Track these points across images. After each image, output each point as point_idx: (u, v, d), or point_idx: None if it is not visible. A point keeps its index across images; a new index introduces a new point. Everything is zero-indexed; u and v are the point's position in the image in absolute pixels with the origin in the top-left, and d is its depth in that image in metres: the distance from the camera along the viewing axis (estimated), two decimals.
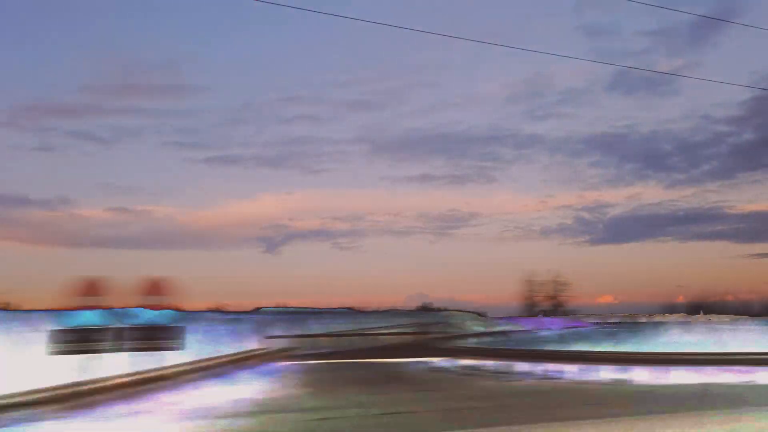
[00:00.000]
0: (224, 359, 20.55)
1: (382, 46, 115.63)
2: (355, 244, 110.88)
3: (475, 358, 23.34)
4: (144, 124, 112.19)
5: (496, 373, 19.96)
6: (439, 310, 65.26)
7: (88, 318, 12.93)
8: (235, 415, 11.85)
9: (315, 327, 40.51)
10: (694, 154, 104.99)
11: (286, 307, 59.60)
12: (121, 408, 12.08)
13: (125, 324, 13.44)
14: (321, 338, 35.68)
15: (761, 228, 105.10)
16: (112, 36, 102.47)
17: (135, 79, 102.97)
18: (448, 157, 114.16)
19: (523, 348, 27.84)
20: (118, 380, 12.98)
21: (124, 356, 13.27)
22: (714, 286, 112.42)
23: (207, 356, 19.65)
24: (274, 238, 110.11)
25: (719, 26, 79.97)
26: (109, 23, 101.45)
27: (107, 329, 13.12)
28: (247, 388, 16.31)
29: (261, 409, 12.65)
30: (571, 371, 18.94)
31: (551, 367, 19.72)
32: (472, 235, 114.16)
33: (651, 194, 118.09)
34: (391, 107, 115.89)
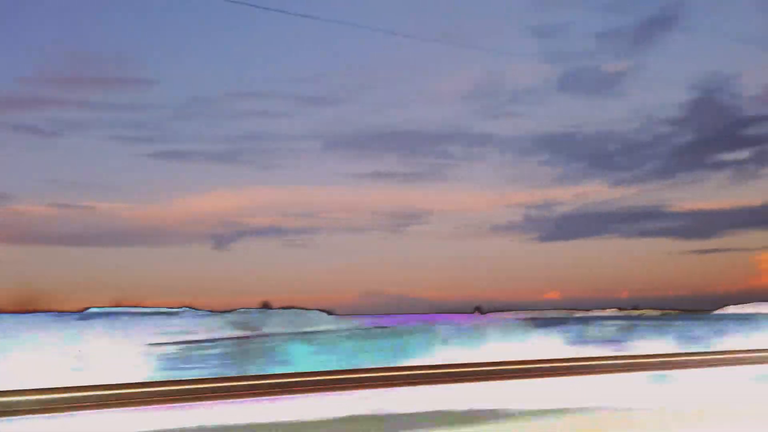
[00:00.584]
0: None
1: (336, 42, 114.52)
2: (309, 242, 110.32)
3: None
4: (89, 117, 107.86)
5: None
6: (282, 308, 60.94)
7: None
8: None
9: None
10: (637, 154, 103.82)
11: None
12: None
13: None
14: None
15: (700, 225, 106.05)
16: (55, 25, 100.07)
17: (80, 71, 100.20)
18: (401, 155, 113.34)
19: None
20: None
21: None
22: (656, 281, 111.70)
23: None
24: (224, 235, 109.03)
25: (663, 30, 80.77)
26: (52, 12, 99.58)
27: None
28: None
29: None
30: None
31: None
32: (425, 232, 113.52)
33: (597, 192, 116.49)
34: (346, 104, 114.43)
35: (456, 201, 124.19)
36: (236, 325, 38.51)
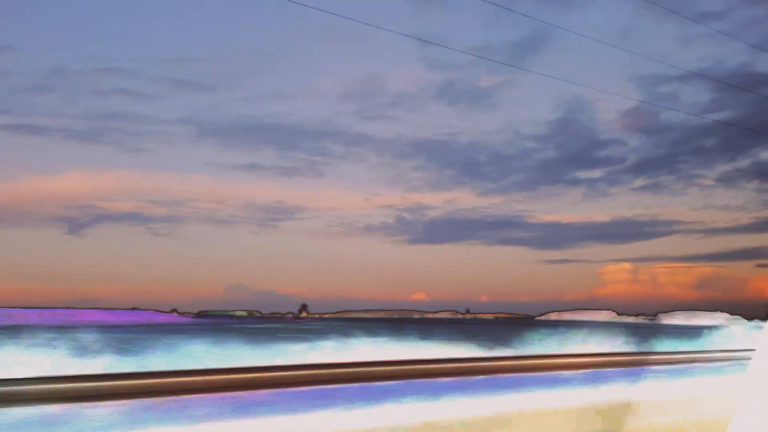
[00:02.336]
0: None
1: (215, 25, 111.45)
2: (173, 231, 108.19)
3: None
4: None
5: None
6: None
7: None
8: None
9: None
10: (505, 166, 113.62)
11: None
12: None
13: None
14: None
15: (554, 237, 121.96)
16: None
17: None
18: (278, 148, 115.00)
19: None
20: None
21: None
22: (513, 287, 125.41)
23: None
24: (79, 219, 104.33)
25: (535, 51, 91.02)
26: None
27: None
28: None
29: None
30: None
31: None
32: (298, 228, 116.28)
33: (465, 200, 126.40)
34: (222, 91, 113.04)
35: (330, 199, 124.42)
36: None
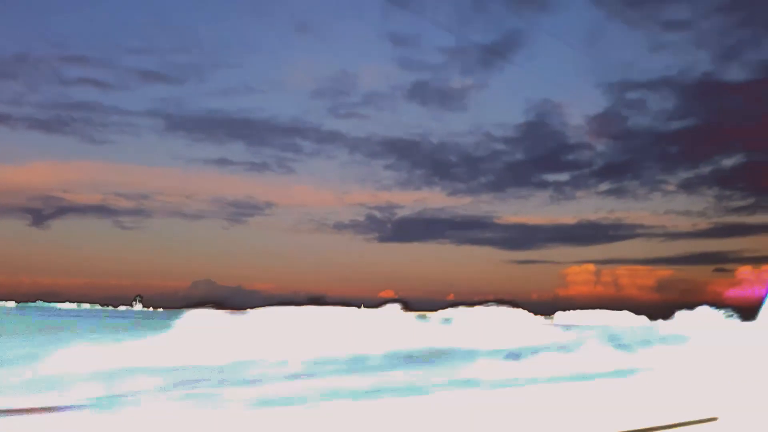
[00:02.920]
0: None
1: (185, 16, 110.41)
2: (140, 225, 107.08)
3: None
4: None
5: None
6: None
7: None
8: None
9: None
10: (474, 167, 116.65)
11: None
12: None
13: None
14: None
15: (520, 237, 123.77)
16: None
17: None
18: (248, 143, 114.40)
19: None
20: None
21: None
22: (479, 286, 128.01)
23: None
24: (43, 211, 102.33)
25: (506, 54, 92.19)
26: None
27: None
28: None
29: None
30: None
31: None
32: (267, 223, 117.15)
33: (435, 199, 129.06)
34: (191, 83, 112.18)
35: (301, 195, 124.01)
36: None
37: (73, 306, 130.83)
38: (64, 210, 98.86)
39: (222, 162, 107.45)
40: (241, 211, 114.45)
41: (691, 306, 35.81)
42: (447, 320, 23.67)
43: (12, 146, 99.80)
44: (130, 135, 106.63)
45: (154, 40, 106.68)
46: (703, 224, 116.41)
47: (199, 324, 15.50)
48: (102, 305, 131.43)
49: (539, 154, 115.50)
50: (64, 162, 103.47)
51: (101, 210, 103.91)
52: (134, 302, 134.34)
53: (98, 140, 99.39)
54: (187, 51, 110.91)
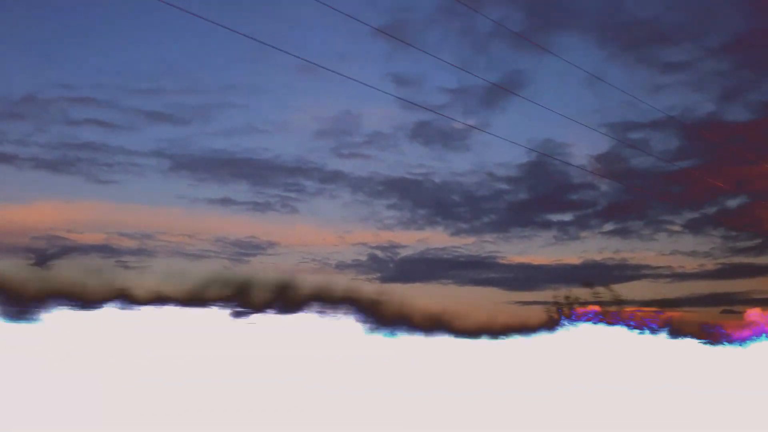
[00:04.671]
0: None
1: (190, 59, 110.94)
2: (143, 264, 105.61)
3: None
4: None
5: None
6: None
7: None
8: None
9: None
10: (477, 207, 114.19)
11: None
12: None
13: None
14: None
15: (525, 278, 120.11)
16: None
17: None
18: (251, 183, 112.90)
19: None
20: None
21: None
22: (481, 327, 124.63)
23: None
24: (47, 250, 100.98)
25: (508, 94, 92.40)
26: None
27: None
28: None
29: None
30: None
31: None
32: (269, 263, 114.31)
33: (438, 239, 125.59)
34: (196, 124, 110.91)
35: (303, 235, 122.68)
36: None
37: None
38: (68, 249, 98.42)
39: (225, 202, 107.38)
40: (244, 250, 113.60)
41: None
42: None
43: (17, 186, 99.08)
44: (134, 175, 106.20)
45: (161, 81, 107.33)
46: (709, 265, 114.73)
47: None
48: None
49: (542, 194, 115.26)
50: (68, 202, 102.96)
51: (104, 249, 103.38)
52: None
53: (103, 180, 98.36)
54: (192, 92, 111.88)
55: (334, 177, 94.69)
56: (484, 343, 18.95)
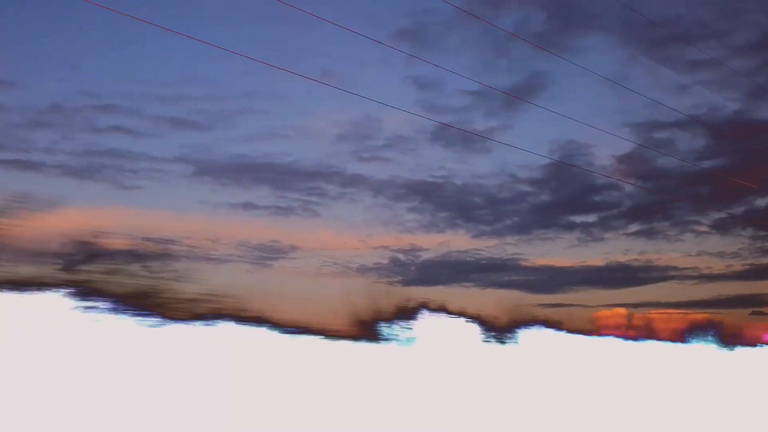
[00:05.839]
0: None
1: (212, 66, 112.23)
2: (166, 268, 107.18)
3: None
4: None
5: None
6: None
7: None
8: None
9: None
10: (499, 209, 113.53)
11: None
12: None
13: None
14: None
15: (548, 280, 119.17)
16: None
17: None
18: (273, 188, 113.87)
19: None
20: None
21: None
22: None
23: None
24: (74, 256, 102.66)
25: (529, 96, 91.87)
26: None
27: None
28: None
29: None
30: None
31: None
32: (291, 267, 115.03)
33: (459, 242, 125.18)
34: (218, 130, 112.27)
35: (325, 239, 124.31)
36: None
37: None
38: (94, 255, 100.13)
39: (247, 206, 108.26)
40: (266, 254, 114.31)
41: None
42: None
43: (45, 193, 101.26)
44: (158, 181, 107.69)
45: (183, 89, 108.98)
46: (737, 266, 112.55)
47: None
48: None
49: (565, 195, 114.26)
50: (94, 208, 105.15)
51: (130, 254, 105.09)
52: None
53: (128, 186, 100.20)
54: (214, 99, 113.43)
55: (355, 181, 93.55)
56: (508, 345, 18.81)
